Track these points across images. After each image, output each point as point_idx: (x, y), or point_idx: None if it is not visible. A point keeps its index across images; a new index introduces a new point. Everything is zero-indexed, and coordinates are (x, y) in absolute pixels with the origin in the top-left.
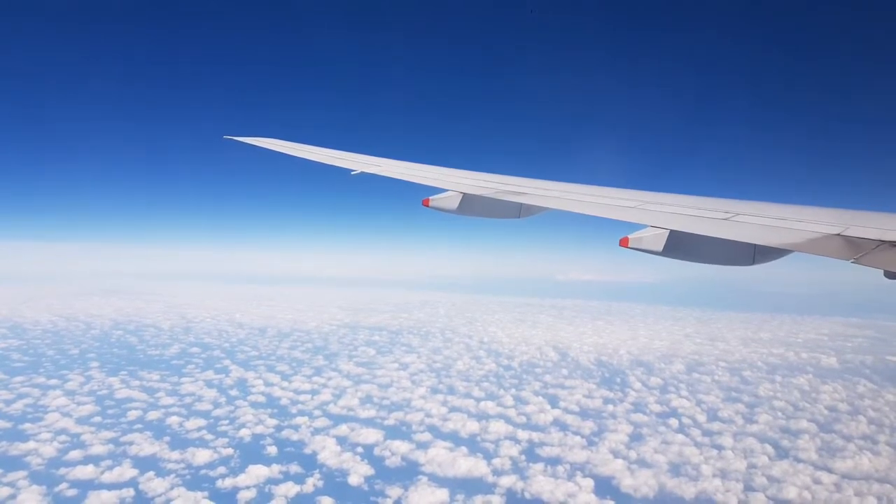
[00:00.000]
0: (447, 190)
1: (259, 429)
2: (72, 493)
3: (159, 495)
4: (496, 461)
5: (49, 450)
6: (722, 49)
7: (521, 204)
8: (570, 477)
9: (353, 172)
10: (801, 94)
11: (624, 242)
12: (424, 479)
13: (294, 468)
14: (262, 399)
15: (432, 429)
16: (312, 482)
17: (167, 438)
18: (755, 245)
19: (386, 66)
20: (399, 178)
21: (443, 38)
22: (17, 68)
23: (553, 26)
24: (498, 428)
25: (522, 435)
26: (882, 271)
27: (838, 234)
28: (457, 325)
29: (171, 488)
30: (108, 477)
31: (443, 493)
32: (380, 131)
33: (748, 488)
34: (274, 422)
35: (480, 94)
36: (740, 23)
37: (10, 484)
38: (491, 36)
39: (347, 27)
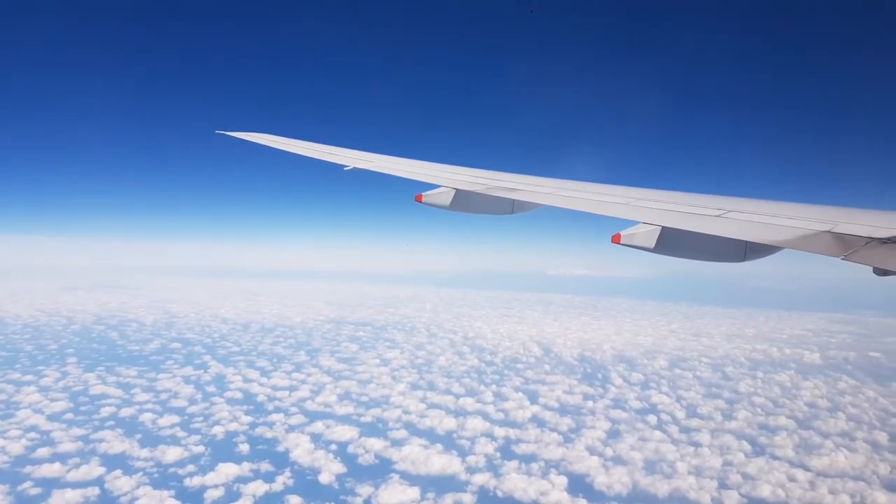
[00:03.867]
0: (440, 186)
1: (233, 426)
2: (35, 491)
3: (124, 494)
4: (471, 458)
5: (17, 447)
6: (713, 46)
7: (514, 200)
8: (545, 475)
9: (345, 168)
10: (792, 91)
11: (616, 239)
12: (396, 477)
13: (265, 466)
14: (238, 396)
15: (409, 426)
16: (282, 480)
17: (138, 436)
18: (746, 241)
19: (379, 61)
20: (392, 173)
21: (436, 34)
22: (5, 63)
23: (546, 23)
24: (475, 425)
25: (499, 432)
26: (871, 268)
27: (828, 231)
28: (443, 320)
29: (137, 487)
30: (73, 475)
31: (414, 492)
32: (373, 127)
33: (722, 486)
34: (249, 419)
35: (474, 91)
36: (731, 19)
37: None
38: (485, 32)
39: (340, 22)
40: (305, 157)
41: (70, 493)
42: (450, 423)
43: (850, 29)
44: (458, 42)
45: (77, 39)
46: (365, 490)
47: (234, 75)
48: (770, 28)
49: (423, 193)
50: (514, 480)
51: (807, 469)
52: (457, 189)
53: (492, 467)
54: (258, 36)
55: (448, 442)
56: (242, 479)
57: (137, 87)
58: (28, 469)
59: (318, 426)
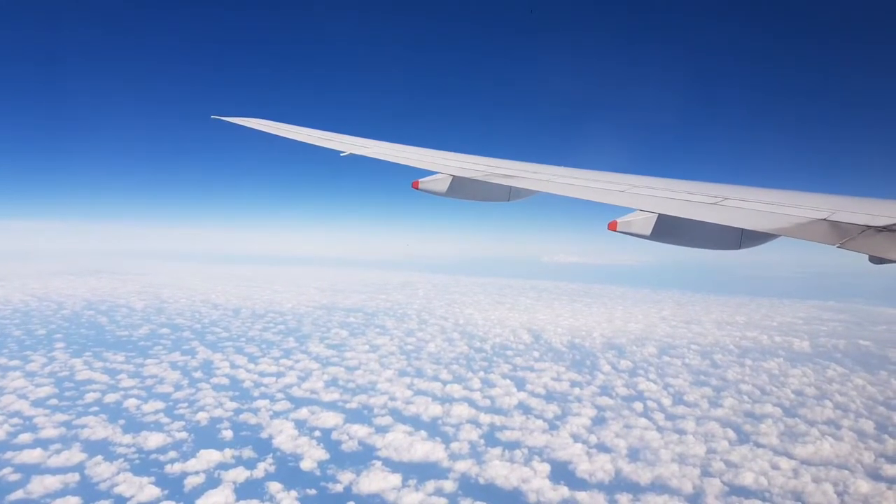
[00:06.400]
0: (437, 172)
1: (217, 412)
2: (15, 477)
3: (104, 480)
4: (454, 445)
5: None
6: (712, 34)
7: (511, 187)
8: (527, 462)
9: (342, 154)
10: (791, 80)
11: (612, 226)
12: (378, 463)
13: (247, 453)
14: (225, 382)
15: (394, 412)
16: (264, 467)
17: (122, 422)
18: (742, 229)
19: (378, 47)
20: (389, 160)
21: (435, 21)
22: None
23: (546, 11)
24: (461, 411)
25: (485, 419)
26: (867, 256)
27: (825, 219)
28: (434, 306)
29: (118, 473)
30: (54, 461)
31: (395, 479)
32: (370, 113)
33: (705, 474)
34: (234, 405)
35: (472, 77)
36: (730, 7)
37: None
38: (483, 18)
39: (338, 7)
40: (302, 142)
41: (49, 480)
42: (436, 409)
43: (849, 14)
44: (458, 29)
45: (74, 23)
46: (346, 477)
47: (230, 60)
48: (770, 15)
49: (420, 180)
50: (497, 468)
51: (791, 457)
52: (453, 176)
53: (475, 454)
54: (257, 20)
55: (433, 429)
56: (224, 466)
57: (133, 71)
58: (8, 455)
59: (303, 412)
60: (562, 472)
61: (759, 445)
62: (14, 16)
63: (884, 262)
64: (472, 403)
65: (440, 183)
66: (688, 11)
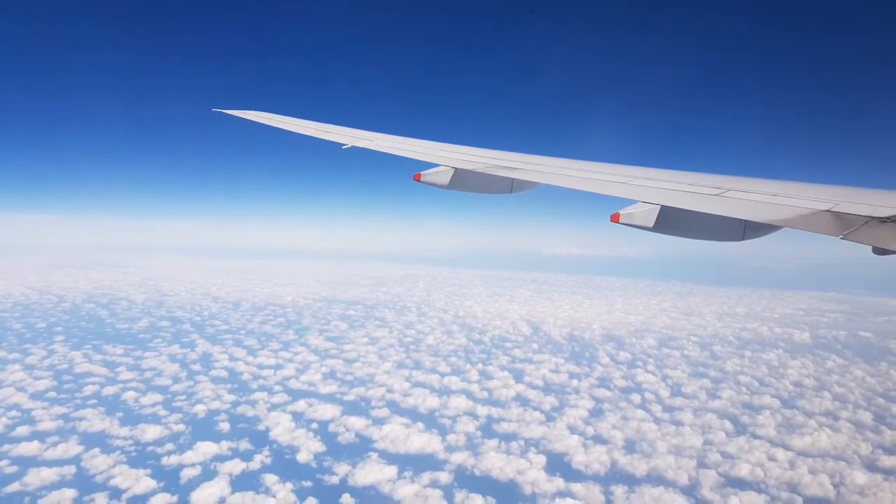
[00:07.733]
0: (439, 165)
1: (215, 404)
2: (12, 469)
3: (100, 473)
4: (451, 437)
5: None
6: (714, 25)
7: (513, 179)
8: (523, 454)
9: (344, 146)
10: (794, 70)
11: (615, 218)
12: (375, 455)
13: (244, 445)
14: (223, 374)
15: (391, 404)
16: (260, 459)
17: (119, 414)
18: (745, 221)
19: (380, 40)
20: (391, 152)
21: (437, 14)
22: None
23: (548, 3)
24: (458, 403)
25: (482, 410)
26: (870, 247)
27: (828, 211)
28: (434, 299)
29: (114, 465)
30: (51, 454)
31: (391, 471)
32: (372, 105)
33: (701, 465)
34: (232, 397)
35: (474, 70)
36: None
37: None
38: (485, 9)
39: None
40: (303, 135)
41: (46, 472)
42: (433, 401)
43: (852, 8)
44: (459, 20)
45: (74, 16)
46: (342, 469)
47: (231, 53)
48: (772, 6)
49: (422, 172)
50: (493, 459)
51: (788, 448)
52: (455, 168)
53: (471, 446)
54: (259, 13)
55: (430, 421)
56: (220, 458)
57: (133, 64)
58: (6, 447)
59: (301, 405)
60: (557, 464)
61: (756, 437)
62: (14, 10)
63: (887, 253)
64: (469, 395)
65: (442, 175)
66: (689, 3)
